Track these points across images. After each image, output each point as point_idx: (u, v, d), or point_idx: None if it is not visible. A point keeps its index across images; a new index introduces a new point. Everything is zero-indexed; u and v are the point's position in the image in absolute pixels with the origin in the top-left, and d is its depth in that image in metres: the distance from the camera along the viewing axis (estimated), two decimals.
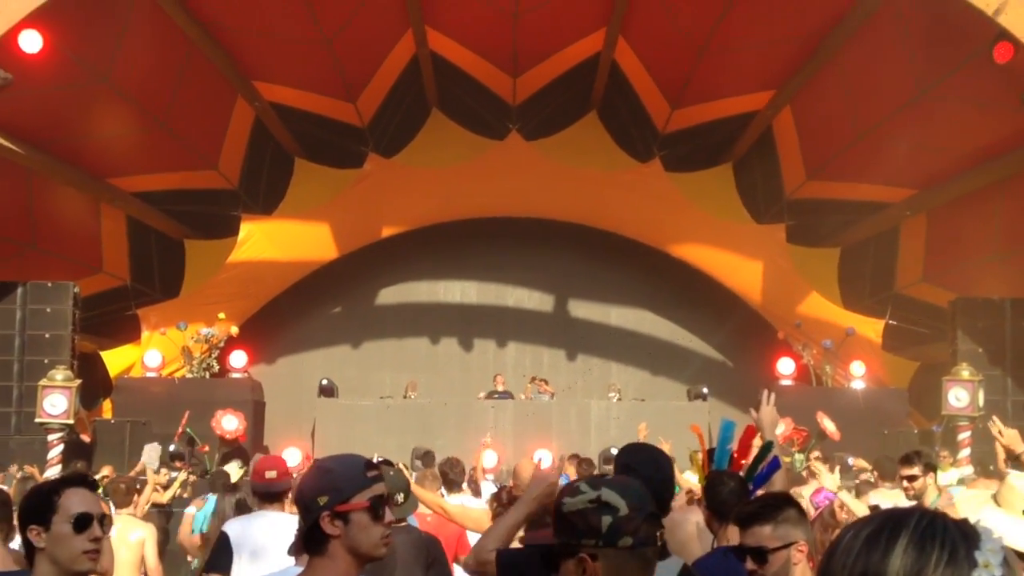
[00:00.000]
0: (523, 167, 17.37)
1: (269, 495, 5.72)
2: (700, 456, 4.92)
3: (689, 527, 5.11)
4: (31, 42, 11.51)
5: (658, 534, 2.36)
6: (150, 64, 14.19)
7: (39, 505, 3.05)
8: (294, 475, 6.06)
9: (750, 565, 3.35)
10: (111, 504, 7.63)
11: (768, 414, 4.63)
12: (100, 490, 7.89)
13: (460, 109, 17.20)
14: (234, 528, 5.59)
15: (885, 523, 1.40)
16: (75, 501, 3.04)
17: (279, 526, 5.39)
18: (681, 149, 17.28)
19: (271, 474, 5.73)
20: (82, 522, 3.01)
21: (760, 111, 16.23)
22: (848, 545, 1.40)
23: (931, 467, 6.50)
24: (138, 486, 10.43)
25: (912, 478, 6.33)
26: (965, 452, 12.47)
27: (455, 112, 17.26)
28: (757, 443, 4.72)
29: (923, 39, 12.48)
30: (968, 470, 11.47)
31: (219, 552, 5.56)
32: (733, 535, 4.30)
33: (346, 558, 2.55)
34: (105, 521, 3.11)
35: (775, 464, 4.50)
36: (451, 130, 17.28)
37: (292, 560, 4.22)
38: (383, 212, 18.60)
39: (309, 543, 2.58)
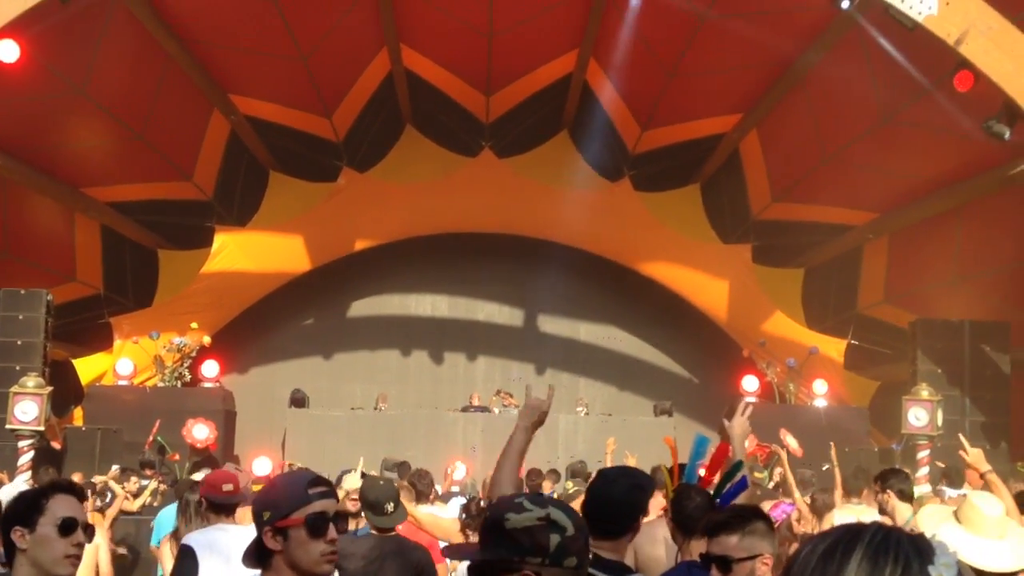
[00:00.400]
0: (495, 184, 17.39)
1: (225, 507, 5.67)
2: (671, 469, 4.92)
3: (657, 541, 5.11)
4: (8, 51, 11.39)
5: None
6: (127, 76, 14.13)
7: (26, 507, 3.05)
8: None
9: (715, 574, 3.35)
10: None
11: (740, 425, 4.63)
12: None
13: (434, 126, 17.21)
14: (197, 539, 5.53)
15: (841, 537, 1.41)
16: (62, 506, 3.05)
17: (241, 537, 5.34)
18: (650, 169, 17.36)
19: (228, 487, 5.69)
20: (68, 526, 3.02)
21: (727, 134, 16.35)
22: (805, 559, 1.40)
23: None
24: (107, 496, 10.38)
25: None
26: (924, 471, 12.57)
27: (429, 129, 17.27)
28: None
29: (886, 67, 12.62)
30: (927, 488, 11.55)
31: (184, 567, 5.50)
32: (697, 550, 4.31)
33: (290, 573, 2.53)
34: (88, 530, 3.11)
35: (743, 484, 4.50)
36: (424, 146, 17.29)
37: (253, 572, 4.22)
38: (356, 226, 18.57)
39: (258, 558, 2.58)
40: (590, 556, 3.40)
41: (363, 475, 7.25)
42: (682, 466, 4.93)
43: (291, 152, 17.41)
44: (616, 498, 3.58)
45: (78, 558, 3.05)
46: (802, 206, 16.70)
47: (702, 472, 4.73)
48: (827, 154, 14.95)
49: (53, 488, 3.14)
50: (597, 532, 3.53)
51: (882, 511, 6.69)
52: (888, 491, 6.53)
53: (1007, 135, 11.01)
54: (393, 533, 5.31)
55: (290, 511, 2.52)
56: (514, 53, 15.14)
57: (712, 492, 4.52)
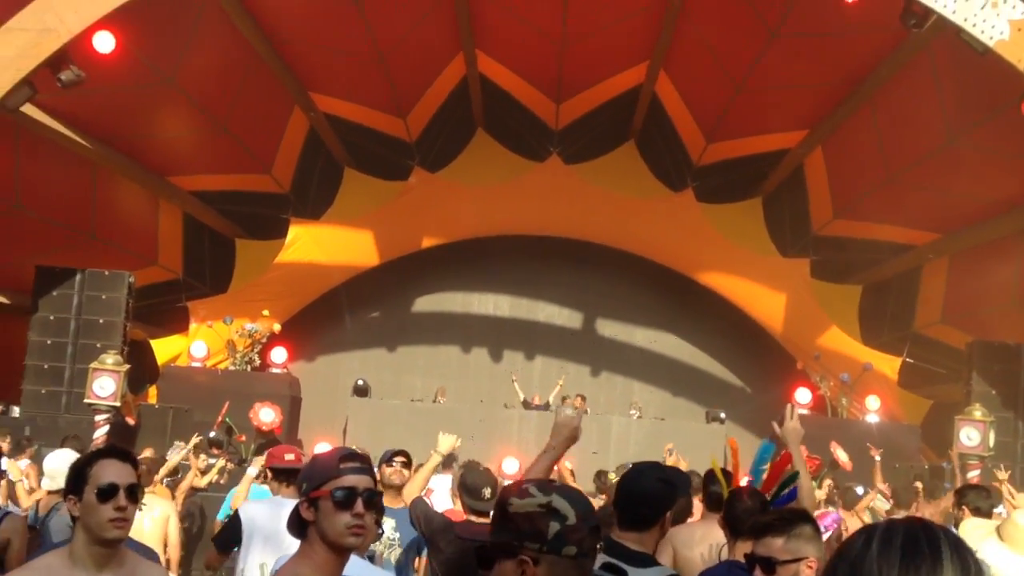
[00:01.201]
0: (561, 189, 17.39)
1: (286, 473, 5.76)
2: (727, 471, 4.91)
3: (695, 543, 5.07)
4: (104, 43, 11.64)
5: (597, 547, 2.29)
6: (214, 69, 14.34)
7: (73, 476, 3.08)
8: None
9: (759, 573, 3.31)
10: None
11: (792, 429, 4.59)
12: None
13: (504, 130, 17.25)
14: (248, 510, 5.61)
15: (916, 533, 1.39)
16: (104, 472, 3.05)
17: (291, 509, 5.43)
18: (713, 181, 17.23)
19: (290, 456, 5.83)
20: (106, 492, 3.02)
21: (792, 149, 16.17)
22: (880, 553, 1.39)
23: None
24: (177, 472, 10.53)
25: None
26: None
27: (499, 133, 17.31)
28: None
29: (955, 89, 12.40)
30: None
31: (227, 530, 5.61)
32: (743, 552, 4.28)
33: (321, 544, 2.57)
34: (137, 491, 3.10)
35: (793, 494, 4.47)
36: (495, 150, 17.33)
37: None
38: (424, 224, 18.67)
39: (298, 527, 2.63)
40: (614, 546, 3.39)
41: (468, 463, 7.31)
42: (725, 472, 4.92)
43: (366, 150, 17.55)
44: (643, 490, 3.57)
45: (124, 520, 3.05)
46: (863, 224, 16.45)
47: (765, 475, 4.71)
48: (891, 173, 14.72)
49: (97, 455, 3.15)
50: (624, 523, 3.53)
51: (956, 526, 6.56)
52: (964, 507, 6.41)
53: None
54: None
55: (321, 483, 2.57)
56: (586, 62, 15.13)
57: (769, 497, 4.49)
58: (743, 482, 4.94)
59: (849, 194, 16.17)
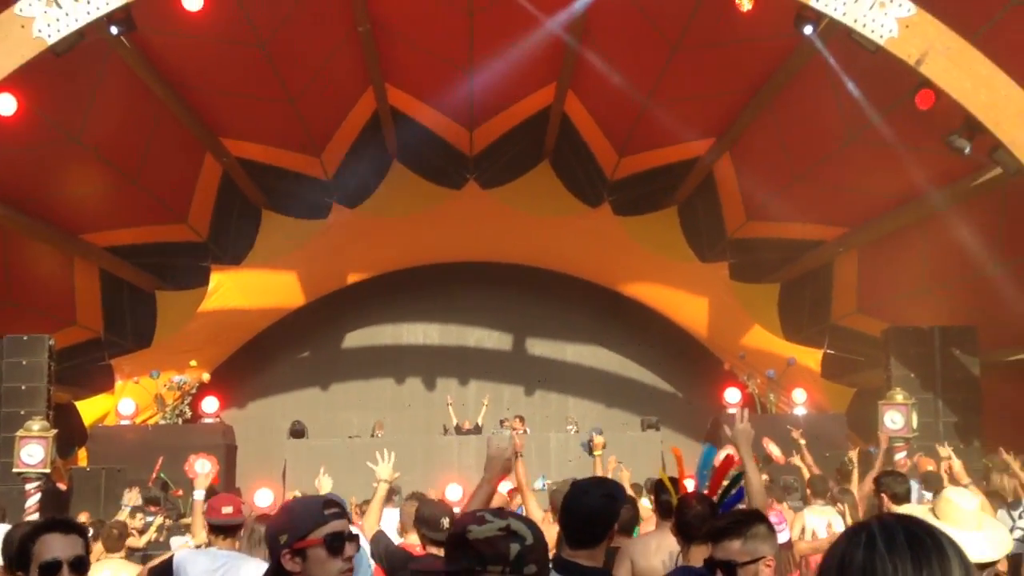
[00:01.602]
0: (480, 214, 17.42)
1: (223, 529, 5.68)
2: (675, 480, 4.95)
3: (651, 552, 5.11)
4: (6, 105, 11.38)
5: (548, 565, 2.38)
6: (121, 123, 14.10)
7: (17, 551, 2.97)
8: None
9: None
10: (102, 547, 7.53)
11: (742, 431, 4.67)
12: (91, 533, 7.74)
13: (420, 161, 17.21)
14: (183, 556, 5.56)
15: (914, 529, 1.42)
16: (46, 548, 2.95)
17: (228, 564, 5.40)
18: (629, 194, 17.42)
19: (227, 510, 5.70)
20: (49, 569, 2.93)
21: (701, 157, 16.44)
22: (889, 551, 1.42)
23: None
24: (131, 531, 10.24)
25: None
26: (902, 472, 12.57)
27: (415, 164, 17.27)
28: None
29: (850, 88, 12.74)
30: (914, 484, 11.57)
31: (161, 569, 5.55)
32: (697, 555, 4.33)
33: None
34: (82, 564, 3.00)
35: (740, 494, 4.54)
36: (412, 181, 17.29)
37: None
38: (348, 260, 18.54)
39: None
40: (568, 566, 3.43)
41: (413, 495, 7.30)
42: (672, 480, 4.97)
43: (282, 191, 17.36)
44: (590, 509, 3.60)
45: None
46: (775, 224, 16.79)
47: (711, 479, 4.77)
48: (796, 173, 15.06)
49: (39, 529, 3.04)
50: (575, 543, 3.54)
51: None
52: (883, 493, 6.58)
53: (967, 150, 11.14)
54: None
55: (307, 532, 2.54)
56: (494, 88, 15.19)
57: (716, 500, 4.55)
58: (690, 488, 5.00)
59: (759, 196, 16.49)
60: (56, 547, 2.95)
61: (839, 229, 16.15)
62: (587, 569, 3.48)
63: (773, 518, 7.04)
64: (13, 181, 13.63)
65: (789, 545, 8.08)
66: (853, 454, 11.80)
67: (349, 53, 14.26)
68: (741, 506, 4.63)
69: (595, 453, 7.42)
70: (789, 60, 13.21)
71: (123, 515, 11.57)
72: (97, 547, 7.74)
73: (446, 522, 5.37)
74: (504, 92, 15.38)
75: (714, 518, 4.40)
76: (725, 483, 4.81)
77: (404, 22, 13.75)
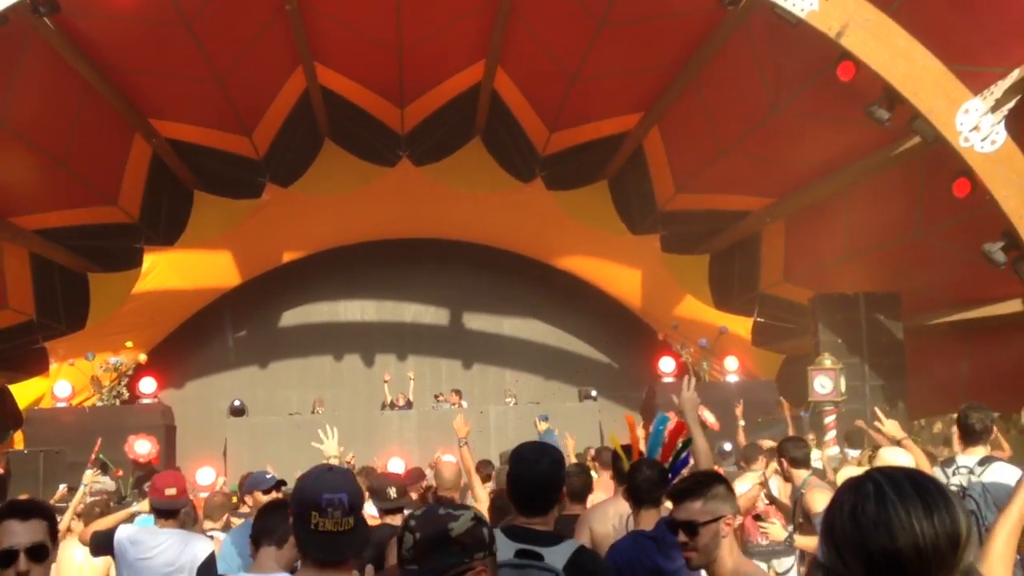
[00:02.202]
0: (414, 191, 17.31)
1: (168, 512, 5.58)
2: (627, 447, 5.00)
3: (608, 517, 5.16)
4: None
5: None
6: (46, 105, 13.72)
7: None
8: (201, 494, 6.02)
9: (682, 537, 3.38)
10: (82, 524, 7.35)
11: (688, 399, 4.74)
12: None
13: (351, 139, 17.04)
14: (125, 532, 5.50)
15: (918, 479, 1.48)
16: (3, 536, 2.81)
17: (170, 542, 5.34)
18: (560, 169, 17.43)
19: (171, 491, 5.60)
20: (5, 559, 2.79)
21: (630, 131, 16.49)
22: (900, 499, 1.46)
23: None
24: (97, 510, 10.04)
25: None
26: (831, 434, 12.81)
27: (347, 142, 17.10)
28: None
29: (773, 62, 12.84)
30: (835, 450, 11.81)
31: (102, 536, 5.52)
32: (647, 519, 4.38)
33: None
34: (42, 549, 2.83)
35: (686, 460, 4.62)
36: (344, 159, 17.12)
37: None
38: (282, 239, 18.34)
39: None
40: (522, 532, 3.47)
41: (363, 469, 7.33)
42: (626, 447, 5.04)
43: (214, 171, 17.08)
44: (542, 477, 3.61)
45: None
46: (704, 196, 16.91)
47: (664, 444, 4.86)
48: (723, 146, 15.16)
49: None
50: (530, 511, 3.56)
51: (786, 478, 6.89)
52: (783, 458, 6.74)
53: (887, 119, 11.30)
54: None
55: None
56: (425, 66, 15.07)
57: (667, 466, 4.62)
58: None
59: (687, 169, 16.59)
60: (11, 535, 2.80)
61: (766, 200, 16.32)
62: (541, 533, 3.51)
63: None
64: None
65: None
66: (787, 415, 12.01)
67: (277, 32, 14.02)
68: (687, 471, 4.70)
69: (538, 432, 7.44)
70: (713, 34, 13.27)
71: (80, 494, 11.36)
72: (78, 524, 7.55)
73: (392, 491, 5.41)
74: (434, 70, 15.29)
75: (664, 483, 4.47)
76: (675, 449, 4.89)
77: (332, 1, 13.54)
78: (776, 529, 6.88)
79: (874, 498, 1.47)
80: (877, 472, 1.54)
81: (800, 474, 6.71)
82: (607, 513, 5.17)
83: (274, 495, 5.50)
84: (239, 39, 13.83)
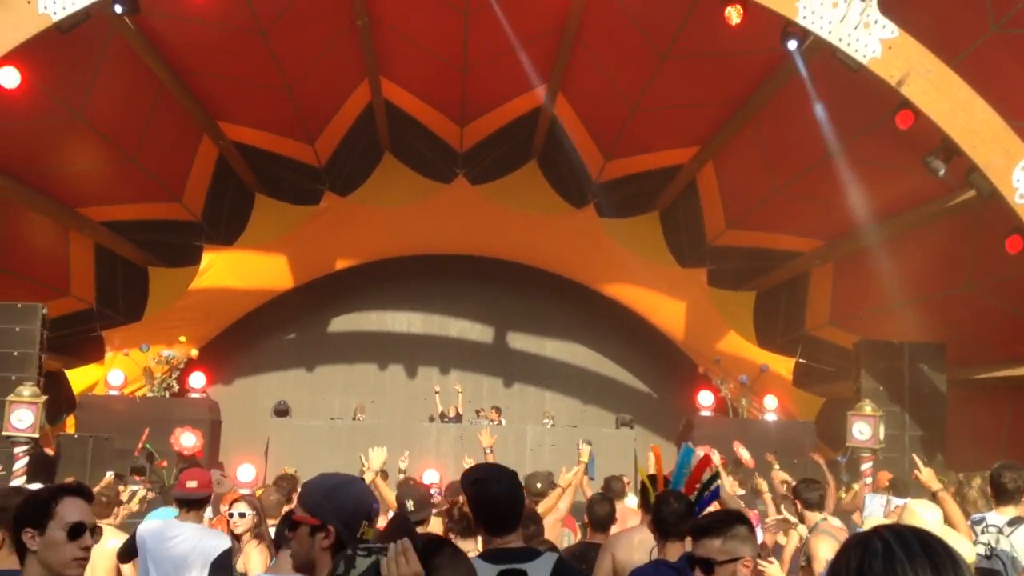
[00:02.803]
0: (468, 209, 17.40)
1: (188, 503, 5.71)
2: (653, 477, 4.97)
3: (633, 547, 5.12)
4: (9, 78, 11.31)
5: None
6: (121, 102, 14.04)
7: (35, 509, 2.96)
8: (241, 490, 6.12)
9: (699, 573, 3.34)
10: None
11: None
12: None
13: (411, 154, 17.19)
14: (144, 528, 5.63)
15: (927, 539, 1.48)
16: (71, 509, 2.97)
17: (186, 535, 5.43)
18: (613, 197, 17.42)
19: (192, 484, 5.73)
20: (76, 530, 2.94)
21: (685, 165, 16.44)
22: (909, 559, 1.45)
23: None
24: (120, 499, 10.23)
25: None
26: (867, 481, 12.62)
27: (406, 156, 17.25)
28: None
29: (833, 105, 12.76)
30: (873, 497, 11.56)
31: (128, 543, 5.65)
32: (673, 551, 4.34)
33: None
34: (96, 532, 3.03)
35: (716, 493, 4.56)
36: (402, 172, 17.27)
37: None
38: (337, 246, 18.50)
39: None
40: (503, 554, 3.44)
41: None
42: (651, 477, 5.00)
43: (276, 176, 17.34)
44: (507, 495, 3.59)
45: (86, 560, 2.98)
46: (754, 233, 16.80)
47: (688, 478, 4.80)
48: (777, 185, 15.07)
49: (62, 491, 3.05)
50: (503, 529, 3.52)
51: (800, 519, 6.80)
52: (797, 500, 6.65)
53: (942, 171, 11.16)
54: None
55: None
56: (487, 86, 15.19)
57: (693, 499, 4.57)
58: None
59: (739, 206, 16.50)
60: (80, 511, 2.99)
61: (816, 241, 16.17)
62: (522, 550, 3.51)
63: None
64: (13, 153, 13.55)
65: (763, 546, 8.09)
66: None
67: (347, 45, 14.21)
68: (715, 506, 4.65)
69: (581, 459, 7.40)
70: (774, 74, 13.21)
71: (106, 481, 11.55)
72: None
73: (410, 504, 5.42)
74: (496, 91, 15.38)
75: (690, 516, 4.43)
76: (701, 482, 4.84)
77: (401, 18, 13.71)
78: (775, 570, 6.76)
79: (882, 556, 1.45)
80: (886, 529, 1.52)
81: (813, 516, 6.60)
82: (631, 541, 5.12)
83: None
84: (310, 49, 14.05)
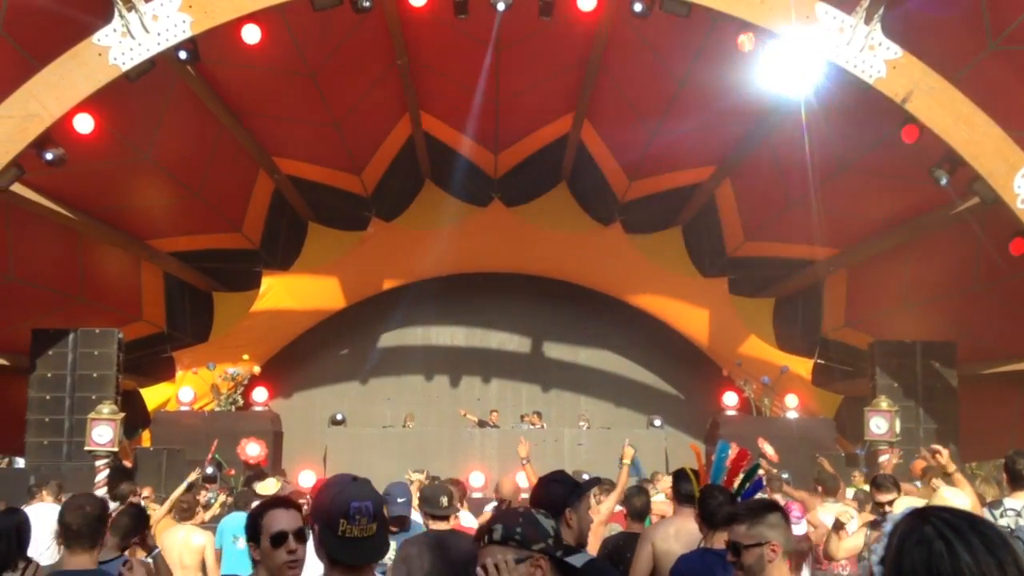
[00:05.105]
0: (503, 230, 17.45)
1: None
2: (696, 472, 4.95)
3: (669, 537, 5.09)
4: (84, 124, 11.48)
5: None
6: (185, 142, 14.23)
7: (252, 525, 3.08)
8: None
9: (730, 557, 3.35)
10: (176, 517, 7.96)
11: None
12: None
13: (449, 181, 17.25)
14: (229, 523, 5.63)
15: (977, 523, 1.47)
16: (274, 520, 3.03)
17: None
18: (638, 215, 17.40)
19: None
20: (279, 538, 3.01)
21: (704, 182, 16.39)
22: (964, 547, 1.42)
23: (898, 486, 6.48)
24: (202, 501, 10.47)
25: (892, 502, 6.22)
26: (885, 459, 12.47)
27: (445, 183, 17.33)
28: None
29: (842, 123, 12.67)
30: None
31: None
32: (719, 542, 4.32)
33: None
34: (304, 533, 3.08)
35: (759, 484, 4.53)
36: (442, 198, 17.34)
37: None
38: (384, 268, 18.60)
39: None
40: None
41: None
42: (694, 472, 4.99)
43: (326, 205, 17.47)
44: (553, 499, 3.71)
45: (296, 563, 3.03)
46: (771, 244, 16.70)
47: (727, 471, 4.77)
48: (792, 199, 14.96)
49: (269, 505, 3.15)
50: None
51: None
52: (819, 485, 6.51)
53: (944, 181, 11.04)
54: (448, 527, 5.37)
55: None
56: (518, 116, 15.24)
57: (734, 491, 4.55)
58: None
59: (756, 219, 16.41)
60: (281, 520, 3.04)
61: (830, 250, 16.02)
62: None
63: (796, 512, 7.00)
64: (89, 191, 13.78)
65: (806, 538, 7.96)
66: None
67: (388, 83, 14.33)
68: (761, 495, 4.63)
69: (624, 462, 7.34)
70: (786, 95, 13.11)
71: (182, 488, 11.67)
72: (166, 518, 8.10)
73: (444, 500, 5.41)
74: (527, 120, 15.43)
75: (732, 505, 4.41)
76: (741, 476, 4.81)
77: (438, 57, 13.81)
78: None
79: (935, 541, 1.43)
80: (931, 514, 1.49)
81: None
82: (669, 532, 5.09)
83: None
84: (355, 88, 14.18)
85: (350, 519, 2.59)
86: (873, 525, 6.29)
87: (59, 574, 4.16)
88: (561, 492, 3.78)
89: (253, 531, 3.04)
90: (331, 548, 2.62)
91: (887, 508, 6.15)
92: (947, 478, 6.31)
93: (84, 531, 4.16)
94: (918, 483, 10.39)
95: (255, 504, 3.90)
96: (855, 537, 6.30)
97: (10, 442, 14.28)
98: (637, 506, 6.53)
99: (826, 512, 8.44)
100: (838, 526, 6.13)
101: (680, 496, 5.20)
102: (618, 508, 7.37)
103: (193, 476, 10.70)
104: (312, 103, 14.07)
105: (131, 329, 15.73)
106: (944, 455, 6.25)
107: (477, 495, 13.04)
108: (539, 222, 17.35)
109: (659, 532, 5.11)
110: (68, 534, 4.17)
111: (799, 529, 7.39)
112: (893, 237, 14.46)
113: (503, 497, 7.43)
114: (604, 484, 7.90)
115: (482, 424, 17.96)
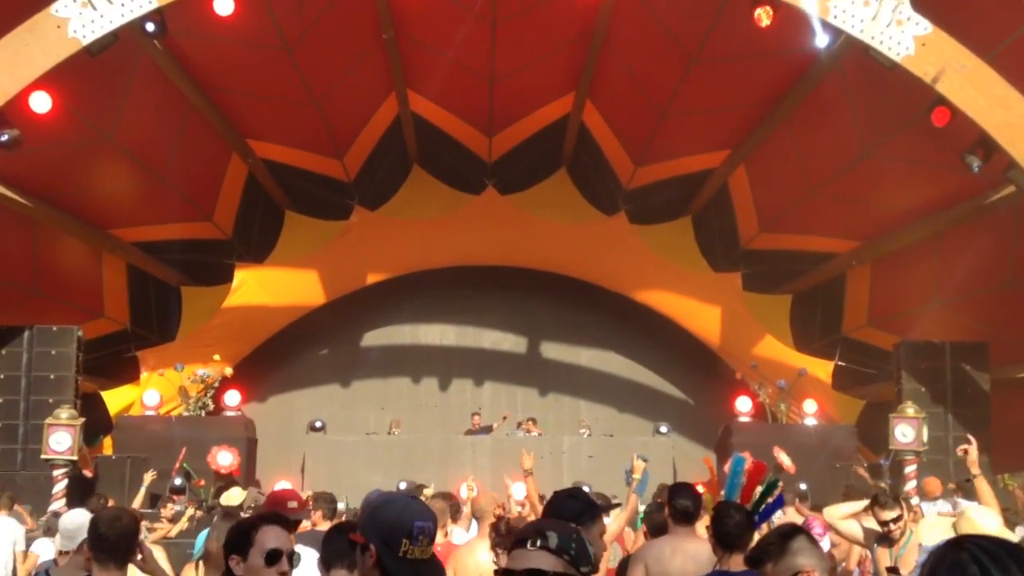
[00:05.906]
0: (498, 219, 17.42)
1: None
2: (712, 484, 4.93)
3: (666, 553, 5.09)
4: (41, 103, 11.44)
5: None
6: (151, 123, 14.18)
7: (239, 537, 3.14)
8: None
9: None
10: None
11: None
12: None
13: (439, 166, 17.25)
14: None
15: (1016, 552, 1.48)
16: (269, 537, 3.12)
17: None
18: (644, 203, 17.36)
19: (293, 504, 5.63)
20: (273, 556, 3.10)
21: (716, 169, 16.37)
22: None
23: (900, 503, 6.47)
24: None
25: (898, 519, 6.21)
26: (911, 484, 12.48)
27: (435, 168, 17.31)
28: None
29: (867, 104, 12.66)
30: (945, 506, 11.30)
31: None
32: (735, 563, 4.30)
33: None
34: (295, 557, 3.18)
35: (779, 501, 4.49)
36: (431, 185, 17.33)
37: None
38: (368, 260, 18.58)
39: None
40: None
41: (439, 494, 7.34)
42: (715, 486, 4.96)
43: (305, 192, 17.44)
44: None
45: None
46: (788, 236, 16.70)
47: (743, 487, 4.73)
48: (811, 187, 14.97)
49: (262, 520, 3.22)
50: None
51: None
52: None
53: (976, 166, 11.04)
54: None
55: None
56: (515, 96, 15.21)
57: (750, 508, 4.51)
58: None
59: (773, 208, 16.40)
60: (276, 538, 3.13)
61: (852, 242, 16.04)
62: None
63: (817, 529, 6.98)
64: (46, 176, 13.73)
65: (829, 555, 7.97)
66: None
67: (373, 59, 14.30)
68: (780, 513, 4.59)
69: (634, 476, 7.27)
70: (806, 74, 13.14)
71: (140, 497, 11.66)
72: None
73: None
74: (524, 100, 15.40)
75: (751, 527, 4.38)
76: (759, 490, 4.78)
77: (427, 30, 13.77)
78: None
79: (972, 570, 1.43)
80: (968, 542, 1.50)
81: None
82: (663, 552, 5.07)
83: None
84: (337, 65, 14.14)
85: (413, 539, 2.63)
86: (880, 540, 6.31)
87: None
88: (575, 509, 3.76)
89: (241, 544, 3.09)
90: (390, 568, 2.65)
91: (891, 527, 6.16)
92: (967, 484, 6.37)
93: (120, 544, 4.14)
94: (931, 503, 10.38)
95: (245, 515, 3.92)
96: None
97: None
98: (658, 522, 6.45)
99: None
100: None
101: (676, 513, 5.16)
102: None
103: (148, 478, 10.67)
104: (289, 80, 14.03)
105: (92, 327, 15.67)
106: (972, 450, 6.30)
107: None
108: (537, 211, 17.33)
109: (652, 552, 5.10)
110: (103, 546, 4.11)
111: (823, 545, 7.40)
112: (921, 229, 14.46)
113: (482, 512, 7.14)
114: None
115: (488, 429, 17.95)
